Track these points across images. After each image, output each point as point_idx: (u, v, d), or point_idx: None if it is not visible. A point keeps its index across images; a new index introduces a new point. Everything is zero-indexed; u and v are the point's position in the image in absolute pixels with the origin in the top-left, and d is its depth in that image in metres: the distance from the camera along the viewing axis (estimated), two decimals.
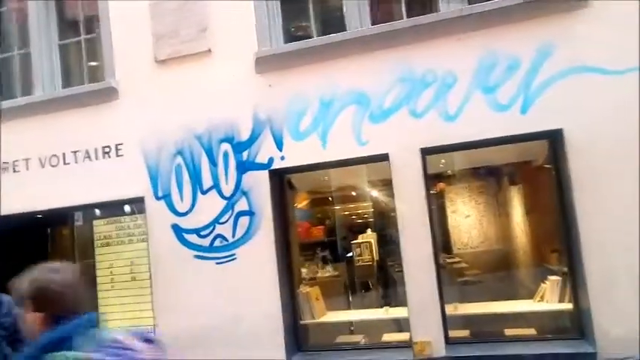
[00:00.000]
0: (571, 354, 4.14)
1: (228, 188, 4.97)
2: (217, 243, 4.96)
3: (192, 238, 5.03)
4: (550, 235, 5.31)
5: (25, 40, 5.82)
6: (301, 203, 7.86)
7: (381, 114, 4.65)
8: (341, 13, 4.93)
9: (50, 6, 5.84)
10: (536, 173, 5.54)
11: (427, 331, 4.43)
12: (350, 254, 8.20)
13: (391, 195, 4.65)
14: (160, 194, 5.15)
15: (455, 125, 4.46)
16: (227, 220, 4.95)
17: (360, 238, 8.21)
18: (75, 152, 5.43)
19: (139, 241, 5.43)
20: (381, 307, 5.38)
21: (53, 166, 5.50)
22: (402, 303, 4.67)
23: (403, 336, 4.80)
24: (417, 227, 4.50)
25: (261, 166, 4.91)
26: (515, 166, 6.56)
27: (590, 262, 4.11)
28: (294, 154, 4.84)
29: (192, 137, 5.08)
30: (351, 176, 6.47)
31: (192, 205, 5.05)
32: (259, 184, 4.90)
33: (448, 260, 7.87)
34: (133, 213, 5.51)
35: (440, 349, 4.39)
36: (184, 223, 5.06)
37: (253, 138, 4.94)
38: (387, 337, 5.08)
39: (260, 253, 4.83)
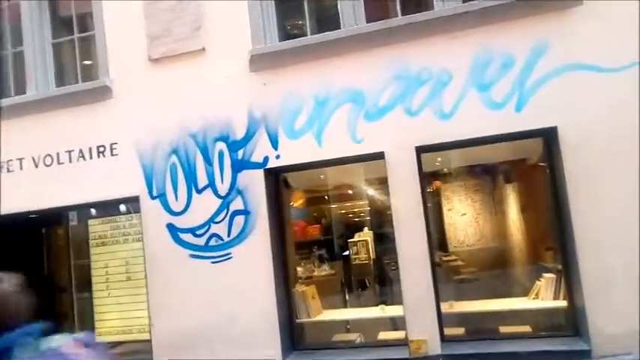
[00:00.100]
0: (565, 351, 4.15)
1: (223, 187, 4.96)
2: (213, 242, 4.95)
3: (188, 237, 5.01)
4: (545, 233, 5.33)
5: (19, 39, 5.78)
6: (297, 202, 7.86)
7: (376, 112, 4.65)
8: (336, 11, 4.91)
9: (43, 4, 5.80)
10: (531, 171, 5.55)
11: (423, 329, 4.43)
12: (346, 253, 8.21)
13: (387, 193, 4.65)
14: (155, 193, 5.13)
15: (450, 123, 4.46)
16: (222, 220, 4.93)
17: (357, 237, 8.23)
18: (69, 152, 5.41)
19: (134, 240, 5.41)
20: (377, 305, 5.38)
21: (47, 165, 5.47)
22: (398, 301, 4.68)
23: (399, 334, 4.81)
24: (412, 225, 4.50)
25: (256, 165, 4.90)
26: (510, 164, 6.58)
27: (584, 259, 4.12)
28: (290, 153, 4.83)
29: (187, 136, 5.07)
30: (347, 175, 6.48)
31: (188, 205, 5.04)
32: (255, 183, 4.88)
33: (444, 258, 7.89)
34: (128, 212, 5.49)
35: (435, 347, 4.40)
36: (180, 222, 5.04)
37: (248, 137, 4.93)
38: (383, 335, 5.09)
39: (256, 252, 4.82)
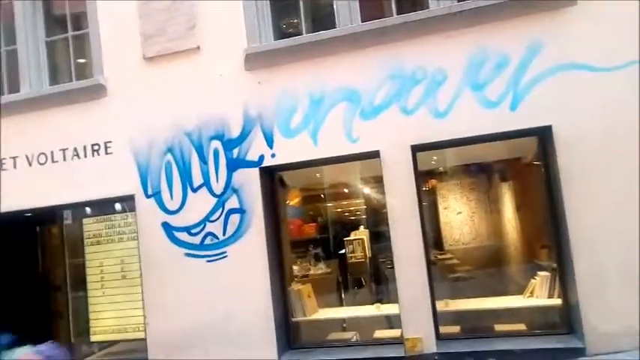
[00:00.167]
0: (560, 349, 4.17)
1: (218, 186, 4.95)
2: (208, 241, 4.94)
3: (183, 236, 5.01)
4: (540, 231, 5.34)
5: (12, 37, 5.74)
6: (293, 200, 7.86)
7: (371, 111, 4.65)
8: (331, 10, 4.91)
9: (37, 3, 5.77)
10: (526, 170, 5.57)
11: (418, 327, 4.45)
12: (342, 251, 8.21)
13: (383, 192, 4.65)
14: (150, 192, 5.12)
15: (445, 122, 4.47)
16: (218, 218, 4.93)
17: (353, 235, 8.23)
18: (63, 150, 5.39)
19: (130, 239, 5.40)
20: (373, 303, 5.39)
21: (41, 164, 5.45)
22: (394, 299, 4.69)
23: (395, 332, 4.83)
24: (408, 224, 4.51)
25: (251, 164, 4.89)
26: (505, 162, 6.59)
27: (579, 258, 4.15)
28: (285, 152, 4.83)
29: (182, 134, 5.05)
30: (343, 173, 6.48)
31: (183, 203, 5.03)
32: (250, 181, 4.88)
33: (439, 257, 7.91)
34: (123, 211, 5.48)
35: (431, 345, 4.41)
36: (175, 221, 5.03)
37: (244, 135, 4.92)
38: (379, 333, 5.10)
39: (251, 250, 4.82)
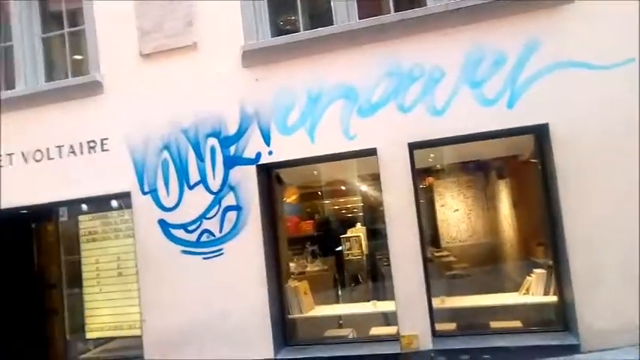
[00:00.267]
0: (555, 346, 4.19)
1: (215, 183, 4.94)
2: (204, 238, 4.93)
3: (180, 233, 5.00)
4: (536, 229, 5.36)
5: (7, 33, 5.70)
6: (290, 198, 7.85)
7: (369, 108, 4.64)
8: (329, 7, 4.90)
9: None
10: (523, 167, 5.58)
11: (414, 324, 4.46)
12: (339, 248, 8.21)
13: (380, 189, 4.65)
14: (146, 189, 5.11)
15: (442, 120, 4.48)
16: (214, 215, 4.92)
17: (350, 233, 8.22)
18: (59, 147, 5.36)
19: (126, 236, 5.40)
20: (370, 301, 5.40)
21: (37, 161, 5.42)
22: (391, 297, 4.69)
23: (391, 329, 4.84)
24: (404, 221, 4.52)
25: (248, 161, 4.88)
26: (502, 160, 6.60)
27: (574, 255, 4.16)
28: (282, 149, 4.82)
29: (178, 132, 5.04)
30: (341, 171, 6.48)
31: (179, 200, 5.02)
32: (247, 178, 4.87)
33: (436, 254, 7.91)
34: (119, 208, 5.47)
35: (427, 342, 4.43)
36: (171, 218, 5.02)
37: (240, 132, 4.91)
38: (375, 330, 5.11)
39: (248, 248, 4.82)
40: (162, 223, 5.04)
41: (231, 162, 4.92)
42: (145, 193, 5.11)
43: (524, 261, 6.23)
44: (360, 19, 4.76)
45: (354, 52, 4.69)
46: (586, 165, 4.19)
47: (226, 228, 4.89)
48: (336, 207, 9.23)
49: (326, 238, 8.85)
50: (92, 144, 5.28)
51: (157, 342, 4.97)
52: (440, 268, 7.38)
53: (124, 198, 5.27)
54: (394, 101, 4.59)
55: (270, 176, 5.18)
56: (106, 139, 5.24)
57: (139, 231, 5.11)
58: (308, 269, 7.96)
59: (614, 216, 4.13)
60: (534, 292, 4.73)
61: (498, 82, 4.39)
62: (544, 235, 4.81)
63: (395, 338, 4.57)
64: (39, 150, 5.42)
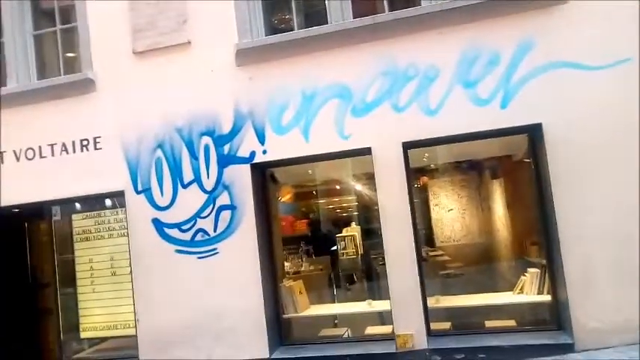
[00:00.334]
0: (549, 345, 4.21)
1: (209, 182, 4.92)
2: (199, 237, 4.91)
3: (174, 232, 4.97)
4: (530, 228, 5.38)
5: None
6: (285, 197, 7.84)
7: (363, 108, 4.64)
8: (323, 6, 4.89)
9: None
10: (517, 167, 5.60)
11: (409, 323, 4.46)
12: (334, 248, 8.21)
13: (375, 189, 4.65)
14: (140, 188, 5.08)
15: (436, 119, 4.48)
16: (208, 215, 4.90)
17: (344, 232, 8.22)
18: (51, 145, 5.32)
19: (119, 235, 5.37)
20: (365, 300, 5.40)
21: (29, 159, 5.38)
22: (386, 296, 4.70)
23: (386, 329, 4.84)
24: (399, 221, 4.52)
25: (242, 160, 4.86)
26: (496, 160, 6.62)
27: (568, 254, 4.18)
28: (277, 148, 4.81)
29: (172, 130, 5.01)
30: (335, 170, 6.47)
31: (173, 199, 4.99)
32: (241, 177, 4.86)
33: (431, 253, 7.94)
34: (113, 207, 5.44)
35: (422, 341, 4.43)
36: (165, 217, 5.00)
37: (235, 131, 4.89)
38: (371, 330, 5.11)
39: (242, 247, 4.80)
40: (156, 222, 5.01)
41: (225, 161, 4.90)
42: (138, 192, 5.08)
43: (518, 260, 6.25)
44: (354, 18, 4.75)
45: (348, 51, 4.68)
46: (579, 165, 4.21)
47: (220, 227, 4.87)
48: (331, 206, 9.24)
49: (321, 237, 8.86)
50: (85, 142, 5.24)
51: (151, 341, 4.95)
52: (434, 267, 7.40)
53: (118, 197, 5.24)
54: (388, 101, 4.59)
55: (264, 175, 5.17)
56: (99, 137, 5.21)
57: (133, 230, 5.08)
58: (303, 268, 7.96)
59: (607, 215, 4.14)
60: (528, 291, 4.74)
61: (492, 82, 4.39)
62: (538, 235, 4.82)
63: (390, 337, 4.57)
64: (31, 148, 5.37)
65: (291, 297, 5.14)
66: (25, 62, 5.58)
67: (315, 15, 5.09)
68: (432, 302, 4.72)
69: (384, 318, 5.09)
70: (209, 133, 4.93)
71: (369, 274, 7.93)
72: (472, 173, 7.93)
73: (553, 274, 4.46)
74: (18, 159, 5.40)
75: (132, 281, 5.07)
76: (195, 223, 4.93)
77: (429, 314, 4.54)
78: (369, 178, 5.24)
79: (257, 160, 4.84)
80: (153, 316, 4.96)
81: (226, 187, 4.88)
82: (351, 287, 8.19)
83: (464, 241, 8.08)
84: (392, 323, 4.54)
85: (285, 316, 5.07)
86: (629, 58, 4.16)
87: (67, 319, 5.69)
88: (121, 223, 5.32)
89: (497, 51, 4.39)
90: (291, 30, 4.98)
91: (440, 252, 8.15)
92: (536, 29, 4.33)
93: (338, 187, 8.39)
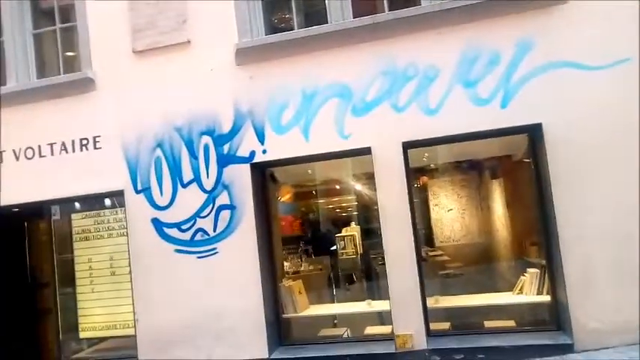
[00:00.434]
0: (549, 345, 4.20)
1: (209, 182, 4.92)
2: (198, 237, 4.91)
3: (173, 232, 4.97)
4: (530, 229, 5.37)
5: None
6: (284, 197, 7.83)
7: (363, 107, 4.64)
8: (323, 6, 4.88)
9: None
10: (517, 167, 5.59)
11: (409, 323, 4.46)
12: (334, 247, 8.21)
13: (375, 188, 4.65)
14: (139, 188, 5.07)
15: (436, 119, 4.47)
16: (208, 214, 4.90)
17: (344, 232, 8.22)
18: (51, 144, 5.31)
19: (119, 235, 5.36)
20: (364, 300, 5.39)
21: (29, 158, 5.37)
22: (385, 296, 4.69)
23: (385, 329, 4.83)
24: (399, 220, 4.52)
25: (242, 160, 4.86)
26: (496, 160, 6.62)
27: (567, 255, 4.17)
28: (276, 148, 4.81)
29: (172, 130, 5.01)
30: (335, 170, 6.47)
31: (173, 199, 4.99)
32: (241, 177, 4.85)
33: (430, 253, 7.94)
34: (112, 207, 5.43)
35: (421, 341, 4.43)
36: (165, 217, 4.99)
37: (234, 131, 4.88)
38: (370, 330, 5.11)
39: (242, 247, 4.80)
40: (155, 221, 5.00)
41: (224, 160, 4.89)
42: (138, 192, 5.07)
43: (517, 260, 6.25)
44: (354, 17, 4.74)
45: (348, 50, 4.67)
46: (579, 165, 4.20)
47: (220, 227, 4.87)
48: (331, 206, 9.24)
49: (320, 237, 8.86)
50: (84, 142, 5.24)
51: (150, 341, 4.94)
52: (434, 267, 7.40)
53: (117, 196, 5.23)
54: (388, 100, 4.58)
55: (264, 175, 5.16)
56: (99, 136, 5.20)
57: (133, 230, 5.07)
58: (302, 268, 7.96)
59: (607, 215, 4.14)
60: (528, 291, 4.74)
61: (492, 82, 4.39)
62: (537, 235, 4.82)
63: (389, 337, 4.56)
64: (30, 147, 5.36)
65: (291, 297, 5.13)
66: (25, 61, 5.58)
67: (315, 14, 5.09)
68: (431, 302, 4.72)
69: (383, 318, 5.09)
70: (209, 132, 4.93)
71: (369, 274, 7.92)
72: (472, 173, 7.93)
73: (553, 274, 4.45)
74: (17, 158, 5.39)
75: (131, 281, 5.06)
76: (194, 222, 4.92)
77: (428, 314, 4.53)
78: (369, 178, 5.23)
79: (257, 159, 4.84)
80: (152, 316, 4.96)
81: (226, 187, 4.87)
82: (351, 287, 8.18)
83: (463, 241, 8.08)
84: (391, 323, 4.54)
85: (284, 316, 5.07)
86: (628, 58, 4.16)
87: (66, 318, 5.68)
88: (121, 222, 5.31)
89: (497, 51, 4.39)
90: (291, 29, 4.98)
91: (439, 252, 8.15)
92: (536, 29, 4.33)
93: (338, 186, 8.39)
